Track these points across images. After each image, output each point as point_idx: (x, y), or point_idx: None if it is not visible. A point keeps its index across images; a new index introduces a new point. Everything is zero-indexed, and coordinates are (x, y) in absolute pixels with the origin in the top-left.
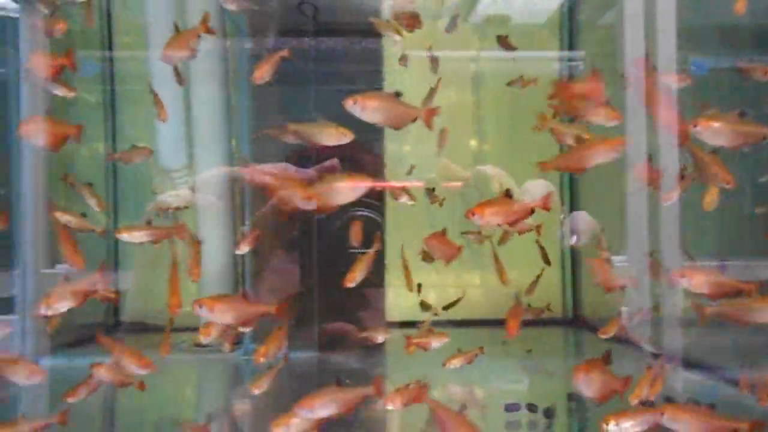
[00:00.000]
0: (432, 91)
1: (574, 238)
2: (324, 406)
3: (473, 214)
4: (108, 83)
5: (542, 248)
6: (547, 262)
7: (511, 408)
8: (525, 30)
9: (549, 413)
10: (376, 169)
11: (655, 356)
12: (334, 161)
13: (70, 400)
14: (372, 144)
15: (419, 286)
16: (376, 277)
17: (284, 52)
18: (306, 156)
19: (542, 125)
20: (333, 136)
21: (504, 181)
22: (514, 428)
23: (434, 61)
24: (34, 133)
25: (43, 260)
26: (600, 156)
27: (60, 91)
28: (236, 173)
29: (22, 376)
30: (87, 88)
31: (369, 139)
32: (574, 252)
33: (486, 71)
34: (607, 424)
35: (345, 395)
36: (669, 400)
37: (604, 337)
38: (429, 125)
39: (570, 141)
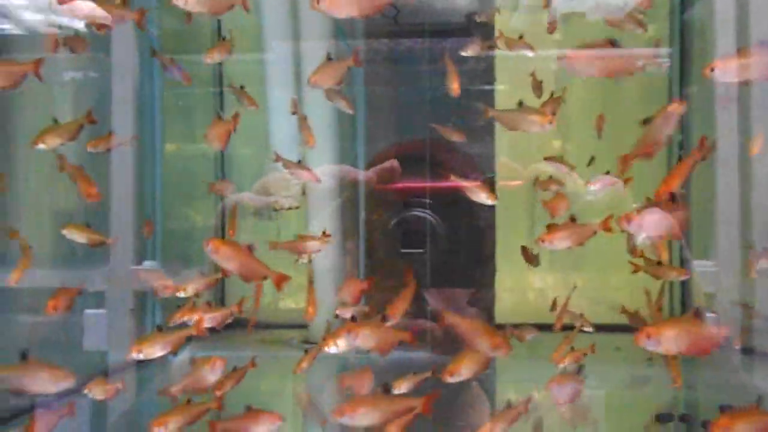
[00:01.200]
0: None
1: (643, 236)
2: (366, 415)
3: (543, 241)
4: (217, 85)
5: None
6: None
7: (664, 419)
8: (598, 28)
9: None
10: (461, 169)
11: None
12: (394, 162)
13: (218, 392)
14: (468, 143)
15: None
16: (485, 278)
17: (350, 62)
18: (412, 155)
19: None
20: (536, 123)
21: (565, 179)
22: None
23: (537, 84)
24: None
25: (131, 257)
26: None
27: None
28: (346, 173)
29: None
30: (200, 89)
31: (477, 138)
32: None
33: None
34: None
35: (390, 405)
36: None
37: None
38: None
39: None
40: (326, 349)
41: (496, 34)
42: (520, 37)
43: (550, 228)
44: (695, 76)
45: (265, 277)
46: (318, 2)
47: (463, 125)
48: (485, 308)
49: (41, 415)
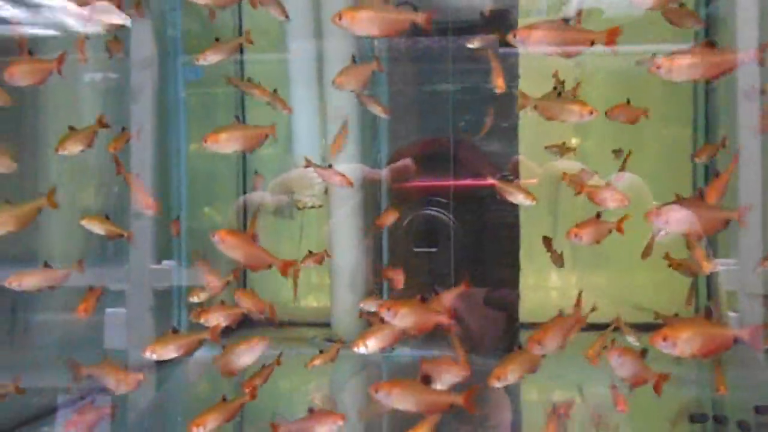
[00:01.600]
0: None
1: (662, 232)
2: (402, 399)
3: (575, 236)
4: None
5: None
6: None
7: (698, 419)
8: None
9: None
10: (477, 168)
11: None
12: (407, 161)
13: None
14: (490, 142)
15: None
16: (509, 278)
17: (374, 65)
18: (433, 153)
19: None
20: (575, 113)
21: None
22: None
23: (559, 82)
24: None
25: (151, 256)
26: None
27: None
28: (368, 172)
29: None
30: (222, 89)
31: (500, 137)
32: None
33: (587, 66)
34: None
35: (427, 396)
36: None
37: None
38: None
39: None
40: (359, 347)
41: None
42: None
43: (580, 224)
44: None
45: (270, 266)
46: (340, 19)
47: (484, 124)
48: (509, 307)
49: (84, 411)
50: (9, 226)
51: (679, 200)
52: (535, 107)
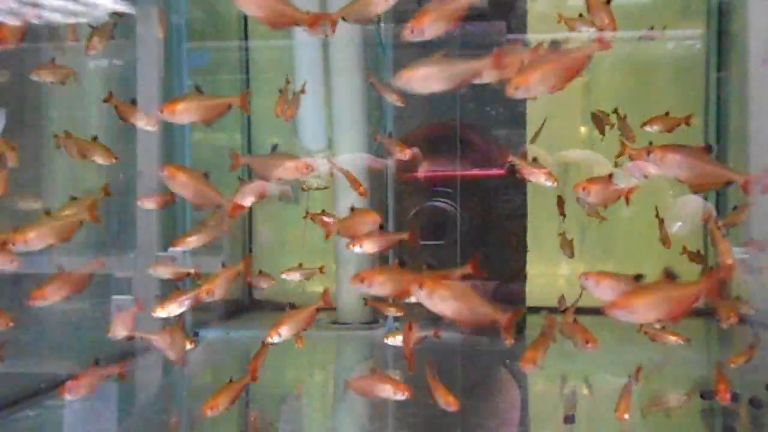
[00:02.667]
0: None
1: (679, 224)
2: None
3: (583, 189)
4: (244, 72)
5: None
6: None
7: (708, 396)
8: (627, 10)
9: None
10: (486, 153)
11: None
12: (415, 150)
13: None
14: (494, 128)
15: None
16: (516, 263)
17: None
18: (441, 136)
19: None
20: None
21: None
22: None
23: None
24: None
25: (157, 244)
26: None
27: None
28: (369, 162)
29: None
30: (227, 77)
31: (507, 124)
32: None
33: (602, 52)
34: None
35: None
36: None
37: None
38: None
39: None
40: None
41: (557, 17)
42: (580, 15)
43: (588, 180)
44: (732, 59)
45: (219, 205)
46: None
47: (493, 111)
48: (516, 300)
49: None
50: (50, 239)
51: (685, 147)
52: None
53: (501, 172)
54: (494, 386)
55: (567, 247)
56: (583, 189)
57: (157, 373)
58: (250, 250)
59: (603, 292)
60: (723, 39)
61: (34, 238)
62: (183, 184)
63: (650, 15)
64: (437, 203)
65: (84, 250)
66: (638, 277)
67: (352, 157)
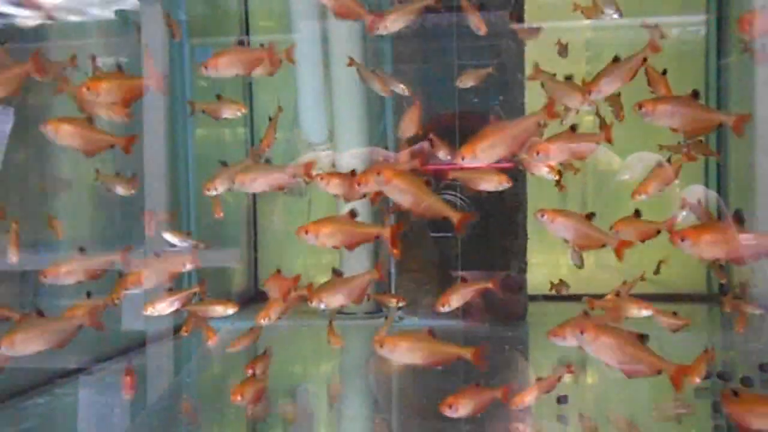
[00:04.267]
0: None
1: (683, 213)
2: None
3: (537, 153)
4: None
5: None
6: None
7: (725, 377)
8: None
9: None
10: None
11: None
12: (424, 144)
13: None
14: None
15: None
16: (517, 254)
17: None
18: (443, 127)
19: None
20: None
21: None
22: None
23: (562, 47)
24: None
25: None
26: None
27: None
28: (377, 155)
29: None
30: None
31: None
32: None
33: (602, 40)
34: None
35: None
36: None
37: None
38: None
39: None
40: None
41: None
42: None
43: (548, 138)
44: (733, 46)
45: (112, 144)
46: None
47: (495, 102)
48: (519, 290)
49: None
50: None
51: (672, 96)
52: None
53: (509, 165)
54: (498, 370)
55: (577, 258)
56: (539, 153)
57: (168, 362)
58: (255, 244)
59: (557, 230)
60: (723, 25)
61: (20, 342)
62: (70, 135)
63: (651, 1)
64: (446, 197)
65: (92, 246)
66: (590, 216)
67: (361, 151)
